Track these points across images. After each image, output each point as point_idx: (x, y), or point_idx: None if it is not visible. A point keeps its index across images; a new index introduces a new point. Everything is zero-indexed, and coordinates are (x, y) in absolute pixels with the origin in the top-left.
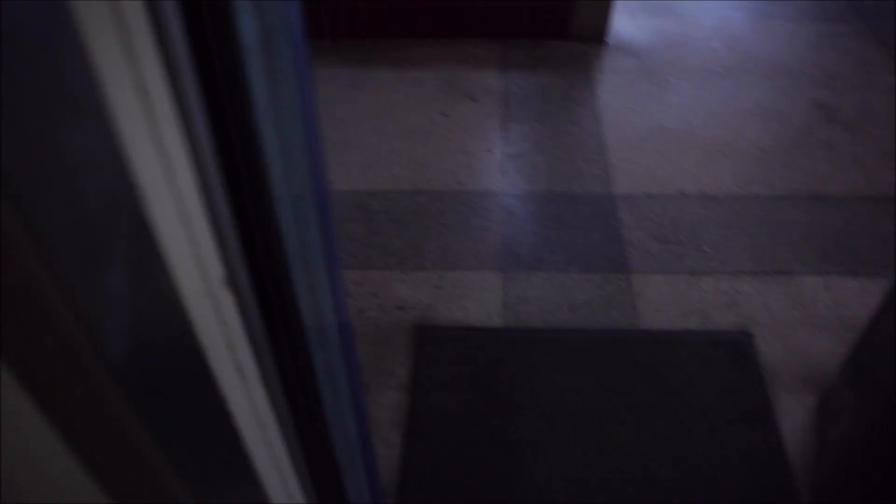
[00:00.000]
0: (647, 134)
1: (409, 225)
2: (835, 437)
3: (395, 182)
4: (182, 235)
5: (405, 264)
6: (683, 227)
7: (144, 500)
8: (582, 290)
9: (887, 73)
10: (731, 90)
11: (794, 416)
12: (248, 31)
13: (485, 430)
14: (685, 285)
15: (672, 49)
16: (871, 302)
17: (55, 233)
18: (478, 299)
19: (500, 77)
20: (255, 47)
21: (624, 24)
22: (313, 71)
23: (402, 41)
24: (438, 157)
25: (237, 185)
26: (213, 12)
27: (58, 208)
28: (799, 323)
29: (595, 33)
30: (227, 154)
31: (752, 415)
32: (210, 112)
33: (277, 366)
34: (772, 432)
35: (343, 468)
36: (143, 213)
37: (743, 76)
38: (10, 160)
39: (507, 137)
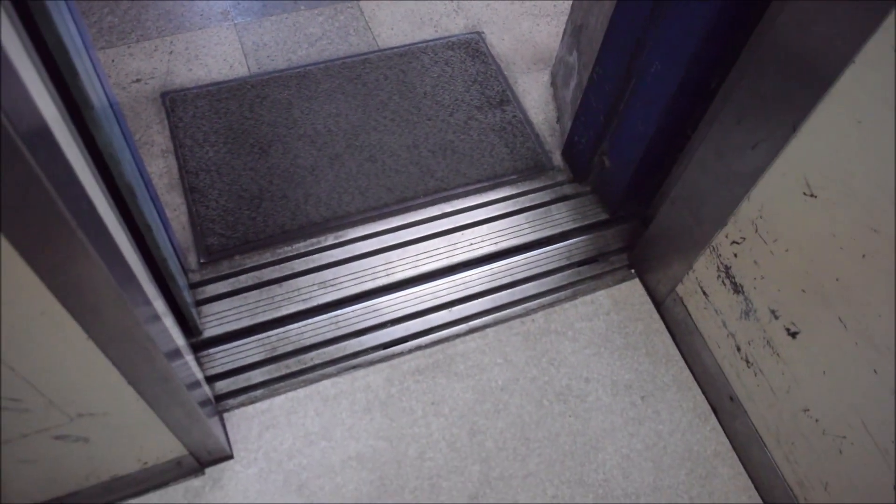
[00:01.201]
0: None
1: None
2: (568, 96)
3: None
4: None
5: (127, 38)
6: None
7: None
8: (316, 24)
9: None
10: None
11: (532, 93)
12: None
13: (260, 169)
14: (412, 2)
15: None
16: None
17: None
18: (215, 55)
19: None
20: None
21: None
22: None
23: None
24: None
25: None
26: None
27: None
28: (520, 15)
29: None
30: None
31: (498, 99)
32: None
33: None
34: (517, 109)
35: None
36: None
37: None
38: None
39: None
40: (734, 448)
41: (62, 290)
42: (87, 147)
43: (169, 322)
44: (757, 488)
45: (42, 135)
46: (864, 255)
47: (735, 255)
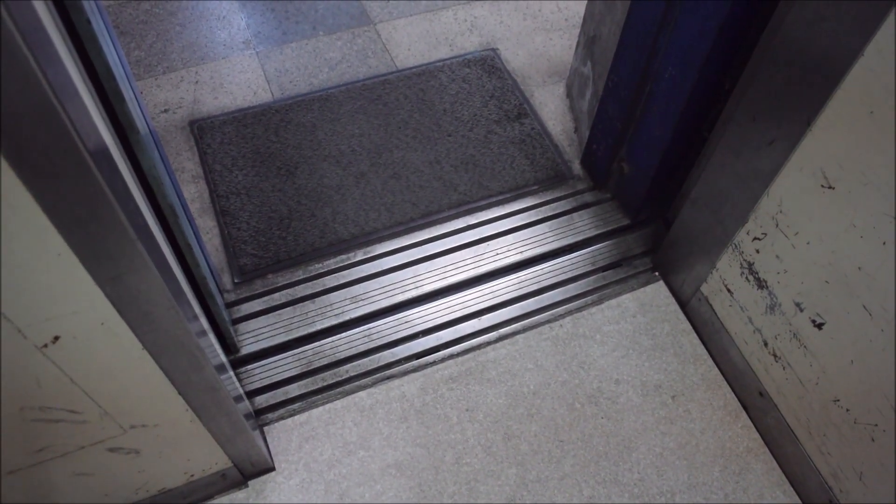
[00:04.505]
0: None
1: (142, 34)
2: (584, 106)
3: None
4: None
5: (154, 70)
6: None
7: None
8: (335, 48)
9: None
10: None
11: (549, 105)
12: None
13: (288, 190)
14: (427, 23)
15: None
16: None
17: None
18: (239, 82)
19: None
20: None
21: None
22: None
23: None
24: None
25: None
26: None
27: None
28: (533, 31)
29: None
30: None
31: (515, 112)
32: None
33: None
34: (535, 122)
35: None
36: None
37: None
38: None
39: None
40: (766, 443)
41: (121, 300)
42: (133, 169)
43: (212, 338)
44: (791, 482)
45: (104, 153)
46: (884, 243)
47: (757, 251)
